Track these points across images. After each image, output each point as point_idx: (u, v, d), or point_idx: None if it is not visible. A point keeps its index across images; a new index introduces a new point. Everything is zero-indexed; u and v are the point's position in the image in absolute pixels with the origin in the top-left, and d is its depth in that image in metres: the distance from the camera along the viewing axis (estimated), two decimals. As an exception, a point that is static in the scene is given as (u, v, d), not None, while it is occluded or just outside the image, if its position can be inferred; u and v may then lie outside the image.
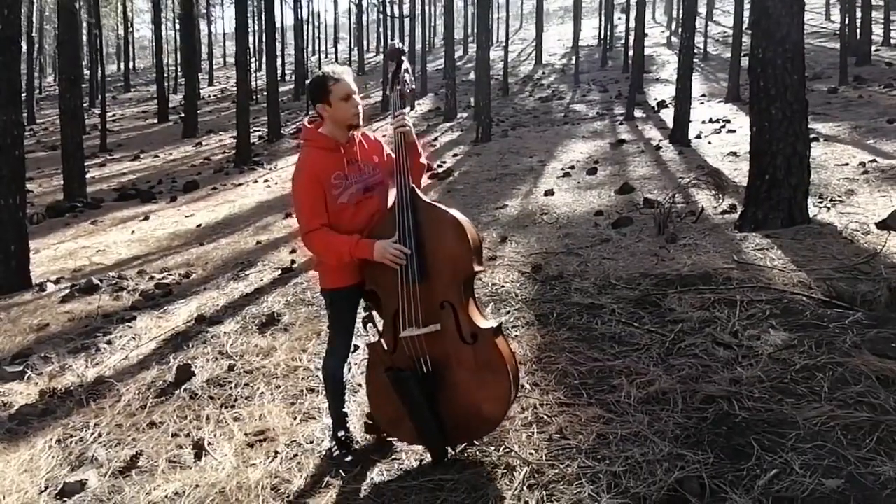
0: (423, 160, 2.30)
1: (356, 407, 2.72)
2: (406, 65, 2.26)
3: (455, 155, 13.67)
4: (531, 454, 2.19)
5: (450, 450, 2.25)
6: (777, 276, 3.58)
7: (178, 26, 32.09)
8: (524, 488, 2.01)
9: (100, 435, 2.86)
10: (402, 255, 2.09)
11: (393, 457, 2.37)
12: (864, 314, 2.83)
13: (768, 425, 2.09)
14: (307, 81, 2.23)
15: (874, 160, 7.37)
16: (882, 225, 4.46)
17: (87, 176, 13.08)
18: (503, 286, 3.98)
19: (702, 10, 28.57)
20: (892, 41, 19.78)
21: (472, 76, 22.82)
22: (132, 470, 2.53)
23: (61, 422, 3.03)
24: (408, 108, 2.21)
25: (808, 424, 2.06)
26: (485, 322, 2.19)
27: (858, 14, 20.15)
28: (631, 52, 19.39)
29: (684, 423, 2.20)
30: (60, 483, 2.47)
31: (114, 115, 27.42)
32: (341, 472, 2.29)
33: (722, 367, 2.55)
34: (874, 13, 21.20)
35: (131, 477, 2.49)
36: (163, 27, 29.76)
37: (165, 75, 27.35)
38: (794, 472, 1.83)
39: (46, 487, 2.49)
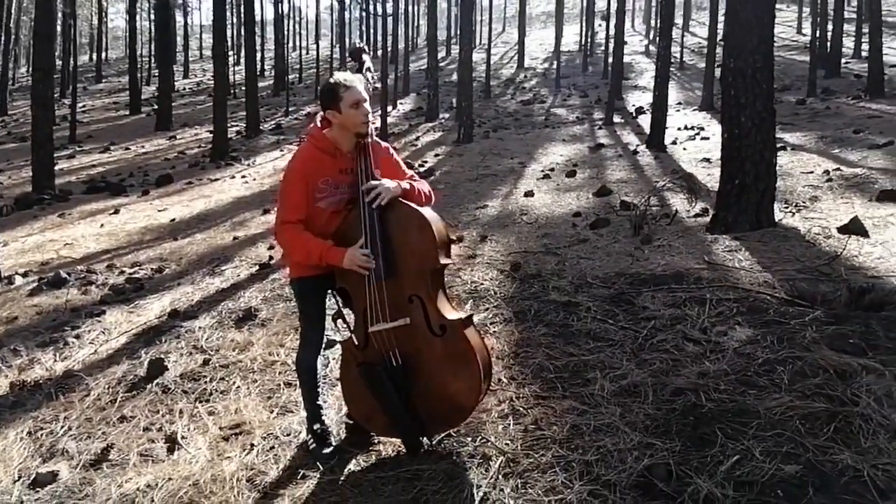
0: (423, 196, 2.26)
1: (334, 400, 2.72)
2: (368, 63, 2.31)
3: (437, 155, 13.71)
4: (507, 444, 2.23)
5: (426, 441, 2.27)
6: (744, 277, 3.72)
7: (153, 17, 31.38)
8: (500, 477, 2.06)
9: (70, 428, 2.81)
10: (370, 262, 2.12)
11: (370, 448, 2.39)
12: (824, 312, 2.96)
13: (732, 415, 2.18)
14: (319, 88, 2.21)
15: (838, 169, 7.66)
16: (843, 229, 4.66)
17: (56, 168, 12.66)
18: (482, 284, 4.03)
19: (678, 20, 29.22)
20: (863, 53, 20.37)
21: (454, 77, 22.88)
22: (103, 463, 2.50)
23: (31, 414, 2.97)
24: (381, 180, 2.17)
25: (768, 414, 2.15)
26: (454, 313, 2.21)
27: (830, 27, 20.68)
28: (611, 59, 19.69)
29: (654, 413, 2.28)
30: (33, 473, 2.44)
31: (84, 106, 26.58)
32: (319, 464, 2.31)
33: (691, 362, 2.65)
34: (846, 26, 21.77)
35: (102, 469, 2.46)
36: (138, 17, 29.07)
37: (139, 66, 26.67)
38: (755, 459, 1.92)
39: (20, 477, 2.46)
